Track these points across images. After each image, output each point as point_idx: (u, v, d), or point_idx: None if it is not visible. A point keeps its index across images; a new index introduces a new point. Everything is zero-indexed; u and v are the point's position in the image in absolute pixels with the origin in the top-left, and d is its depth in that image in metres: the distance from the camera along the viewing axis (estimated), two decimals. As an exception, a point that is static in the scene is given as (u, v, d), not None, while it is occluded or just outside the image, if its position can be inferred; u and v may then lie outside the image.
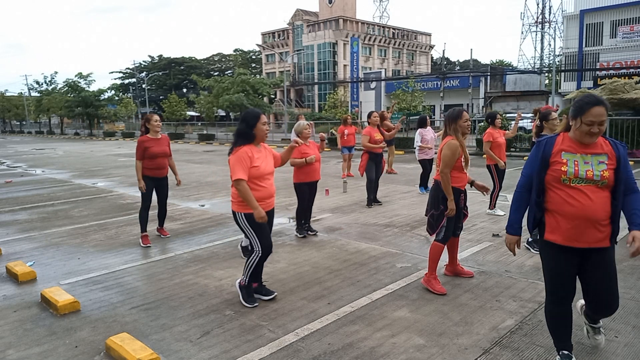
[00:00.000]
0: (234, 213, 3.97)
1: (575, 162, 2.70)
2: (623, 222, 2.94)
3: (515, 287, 4.37)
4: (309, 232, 6.40)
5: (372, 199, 8.39)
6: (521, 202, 2.96)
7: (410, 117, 24.96)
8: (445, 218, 4.27)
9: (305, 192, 6.24)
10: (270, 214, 4.05)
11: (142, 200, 6.10)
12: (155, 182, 6.10)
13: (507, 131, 8.38)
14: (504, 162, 7.19)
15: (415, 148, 9.81)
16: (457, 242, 4.64)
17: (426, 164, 9.49)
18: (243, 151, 3.79)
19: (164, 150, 6.10)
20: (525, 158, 16.33)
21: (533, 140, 5.87)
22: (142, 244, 6.04)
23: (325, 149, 16.31)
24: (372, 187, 8.33)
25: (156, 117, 6.17)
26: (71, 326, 3.79)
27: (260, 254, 3.95)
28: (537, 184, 2.81)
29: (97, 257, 5.62)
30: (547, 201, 2.82)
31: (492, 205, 7.47)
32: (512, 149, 17.34)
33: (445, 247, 4.42)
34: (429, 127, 9.62)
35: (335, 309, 3.97)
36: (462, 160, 4.26)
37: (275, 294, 4.24)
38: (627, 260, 5.08)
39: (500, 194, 7.60)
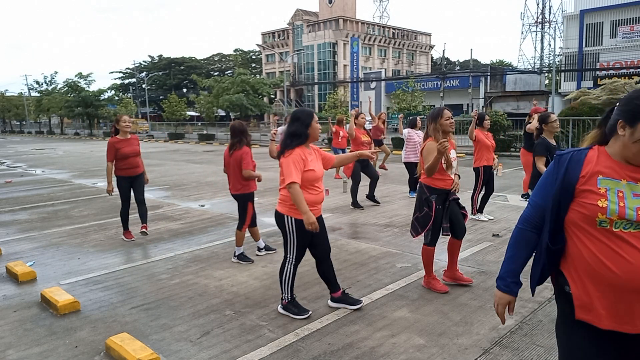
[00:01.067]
0: (281, 215, 3.68)
1: (621, 194, 1.68)
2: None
3: (515, 287, 4.36)
4: None
5: (370, 197, 8.34)
6: (522, 244, 2.00)
7: (410, 118, 24.95)
8: (432, 222, 4.18)
9: None
10: (320, 220, 3.79)
11: (121, 201, 6.31)
12: (130, 180, 6.28)
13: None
14: (495, 164, 7.07)
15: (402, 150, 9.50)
16: (459, 246, 4.45)
17: (412, 168, 8.99)
18: (297, 153, 3.56)
19: (134, 149, 6.21)
20: (525, 158, 16.08)
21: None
22: (125, 239, 6.32)
23: (326, 149, 16.30)
24: (356, 191, 8.14)
25: (125, 117, 6.28)
26: (71, 326, 3.79)
27: (293, 262, 3.78)
28: (552, 223, 1.82)
29: (97, 257, 5.62)
30: (568, 253, 1.83)
31: (474, 210, 7.15)
32: (511, 149, 17.33)
33: (446, 250, 4.39)
34: (418, 130, 9.11)
35: (335, 309, 3.97)
36: (443, 162, 4.10)
37: (362, 302, 4.00)
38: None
39: (498, 193, 7.55)
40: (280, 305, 3.95)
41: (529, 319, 3.72)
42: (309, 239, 3.75)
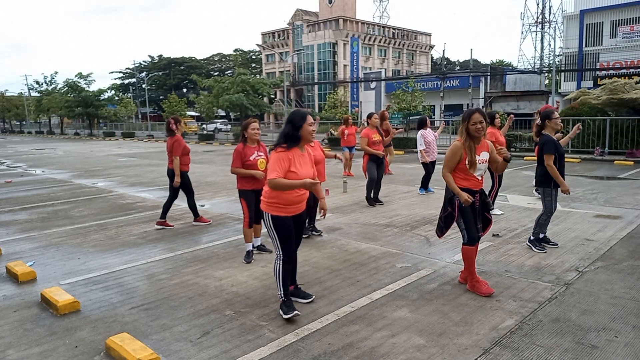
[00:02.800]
0: (262, 212, 3.84)
1: None
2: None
3: (515, 287, 4.37)
4: (314, 233, 6.39)
5: (374, 199, 8.39)
6: None
7: (410, 118, 24.97)
8: (461, 219, 4.16)
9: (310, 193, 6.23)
10: (301, 217, 3.94)
11: (175, 193, 6.95)
12: (185, 176, 7.00)
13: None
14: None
15: (417, 151, 9.65)
16: (476, 250, 4.30)
17: (428, 167, 9.33)
18: (285, 154, 3.65)
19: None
20: (526, 158, 16.37)
21: (534, 140, 5.84)
22: (202, 223, 7.17)
23: (326, 149, 16.31)
24: (372, 186, 8.35)
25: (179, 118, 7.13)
26: (71, 326, 3.79)
27: (282, 258, 3.81)
28: None
29: (97, 257, 5.62)
30: None
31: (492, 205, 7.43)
32: (511, 149, 17.33)
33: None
34: (429, 129, 9.49)
35: (335, 309, 3.97)
36: (466, 162, 4.08)
37: (313, 297, 4.16)
38: (627, 260, 5.08)
39: (499, 193, 7.61)
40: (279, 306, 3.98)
41: (529, 319, 3.72)
42: (290, 233, 3.81)
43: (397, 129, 15.13)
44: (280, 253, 3.82)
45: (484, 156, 4.19)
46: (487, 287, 4.23)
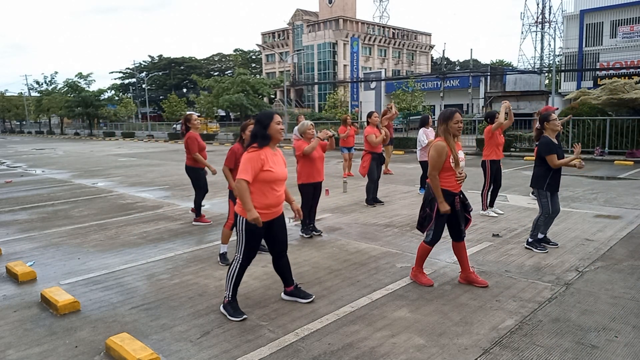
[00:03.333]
0: (236, 215, 3.83)
1: None
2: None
3: (515, 287, 4.37)
4: (315, 232, 6.39)
5: (373, 199, 8.38)
6: None
7: (411, 118, 24.97)
8: (434, 220, 4.28)
9: (310, 192, 6.23)
10: (280, 221, 3.92)
11: (200, 189, 7.16)
12: (200, 172, 7.15)
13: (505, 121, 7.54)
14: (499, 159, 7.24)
15: (417, 149, 9.66)
16: (464, 247, 4.48)
17: (426, 166, 9.37)
18: (257, 153, 3.65)
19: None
20: (526, 158, 16.35)
21: (535, 143, 5.82)
22: (202, 223, 7.21)
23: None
24: (372, 188, 8.32)
25: (195, 115, 7.21)
26: (71, 326, 3.79)
27: (241, 261, 3.81)
28: None
29: (97, 257, 5.62)
30: None
31: (485, 206, 7.36)
32: (511, 149, 17.33)
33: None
34: (430, 127, 9.48)
35: (335, 309, 3.97)
36: (451, 160, 4.20)
37: (313, 297, 4.15)
38: (627, 260, 5.08)
39: (499, 193, 7.59)
40: (221, 306, 3.98)
41: (529, 319, 3.72)
42: (258, 242, 3.81)
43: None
44: (241, 257, 3.81)
45: (461, 154, 4.34)
46: (427, 278, 4.52)
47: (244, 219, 3.69)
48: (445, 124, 4.25)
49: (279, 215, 3.90)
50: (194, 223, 7.21)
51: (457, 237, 4.43)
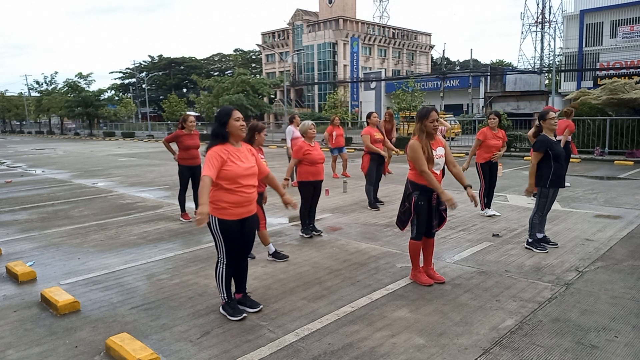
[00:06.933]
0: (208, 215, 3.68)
1: None
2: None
3: (515, 287, 4.37)
4: (314, 232, 6.38)
5: (374, 200, 8.32)
6: None
7: (411, 118, 24.93)
8: (413, 214, 4.35)
9: (310, 191, 6.22)
10: (250, 221, 3.84)
11: (180, 186, 7.57)
12: (192, 170, 7.47)
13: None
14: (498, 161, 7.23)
15: None
16: (432, 244, 4.58)
17: None
18: (214, 150, 3.64)
19: (195, 143, 7.62)
20: (526, 158, 16.32)
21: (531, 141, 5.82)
22: (183, 220, 7.47)
23: (325, 149, 16.23)
24: (371, 190, 8.20)
25: (192, 117, 7.71)
26: (71, 326, 3.79)
27: (225, 262, 3.78)
28: None
29: (97, 257, 5.62)
30: None
31: (483, 206, 7.33)
32: (512, 149, 17.34)
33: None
34: None
35: (335, 309, 3.97)
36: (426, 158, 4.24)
37: (261, 306, 4.00)
38: (627, 260, 5.08)
39: (497, 193, 7.58)
40: (220, 306, 3.96)
41: (529, 319, 3.72)
42: (236, 238, 3.76)
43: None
44: (224, 257, 3.78)
45: (439, 151, 4.39)
46: (426, 277, 4.51)
47: (217, 219, 3.67)
48: (421, 122, 4.29)
49: (251, 215, 3.83)
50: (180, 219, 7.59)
51: (428, 233, 4.50)
